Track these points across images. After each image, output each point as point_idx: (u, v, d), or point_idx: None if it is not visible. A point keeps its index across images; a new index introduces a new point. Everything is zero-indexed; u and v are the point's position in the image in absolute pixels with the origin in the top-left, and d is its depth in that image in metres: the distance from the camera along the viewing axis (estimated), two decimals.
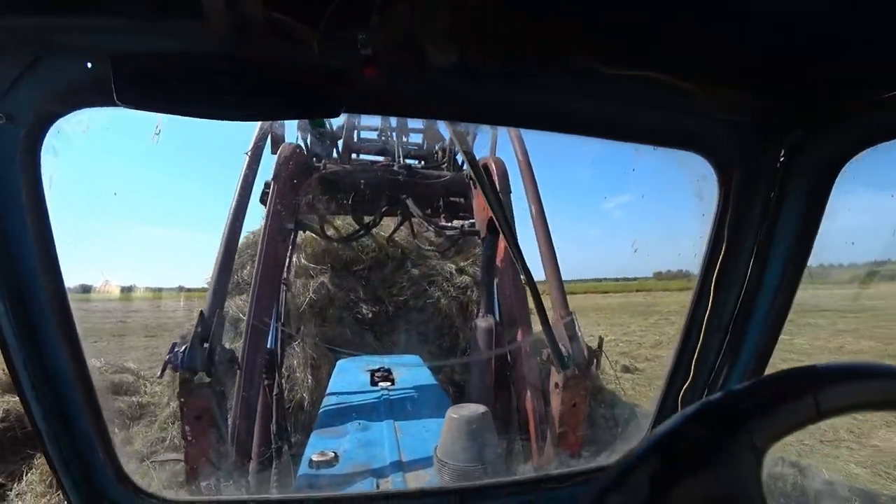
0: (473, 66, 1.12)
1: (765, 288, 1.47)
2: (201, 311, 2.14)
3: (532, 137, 2.96)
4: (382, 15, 0.88)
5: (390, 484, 2.10)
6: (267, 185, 3.00)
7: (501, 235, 3.06)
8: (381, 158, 4.20)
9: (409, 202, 3.50)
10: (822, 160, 1.27)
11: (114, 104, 0.93)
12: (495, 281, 3.62)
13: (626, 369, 10.56)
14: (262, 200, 2.99)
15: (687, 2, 0.93)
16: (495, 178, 3.08)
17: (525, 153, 2.86)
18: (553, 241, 2.59)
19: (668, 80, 1.16)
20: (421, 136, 4.48)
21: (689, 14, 0.96)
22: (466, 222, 3.84)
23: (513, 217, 2.96)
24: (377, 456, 2.40)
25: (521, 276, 2.03)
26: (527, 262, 2.02)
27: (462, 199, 3.82)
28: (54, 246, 1.21)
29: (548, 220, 2.68)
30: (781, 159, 1.33)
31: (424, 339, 6.75)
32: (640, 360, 11.86)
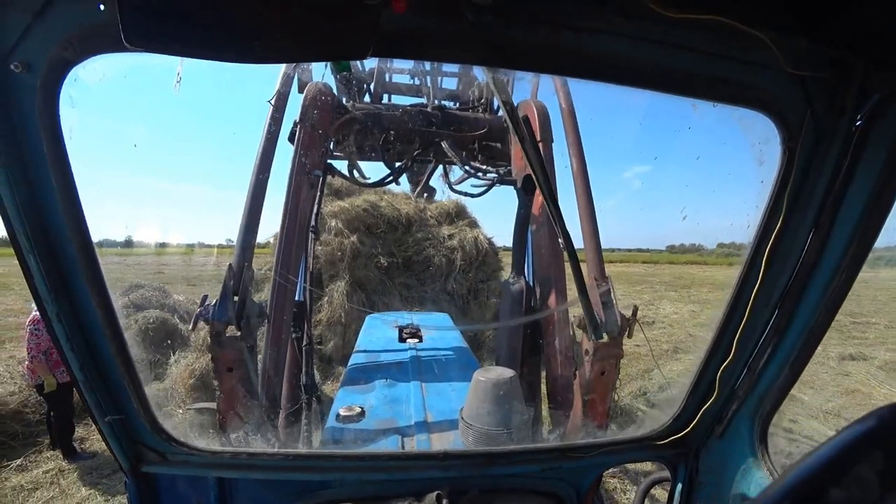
0: (513, 4, 0.99)
1: (822, 266, 1.34)
2: (230, 265, 2.12)
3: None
4: None
5: (415, 443, 2.12)
6: (295, 124, 2.90)
7: (538, 191, 2.87)
8: (413, 100, 4.01)
9: (445, 144, 3.33)
10: None
11: (126, 49, 0.86)
12: (528, 240, 3.50)
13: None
14: (291, 139, 2.91)
15: None
16: (536, 125, 2.85)
17: (569, 101, 2.61)
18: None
19: (737, 27, 1.03)
20: (456, 80, 4.23)
21: None
22: (503, 169, 3.65)
23: (553, 171, 2.72)
24: (403, 414, 2.43)
25: (560, 238, 1.87)
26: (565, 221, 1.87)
27: (499, 145, 3.61)
28: (79, 197, 1.18)
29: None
30: (857, 124, 1.17)
31: (423, 282, 10.51)
32: None
